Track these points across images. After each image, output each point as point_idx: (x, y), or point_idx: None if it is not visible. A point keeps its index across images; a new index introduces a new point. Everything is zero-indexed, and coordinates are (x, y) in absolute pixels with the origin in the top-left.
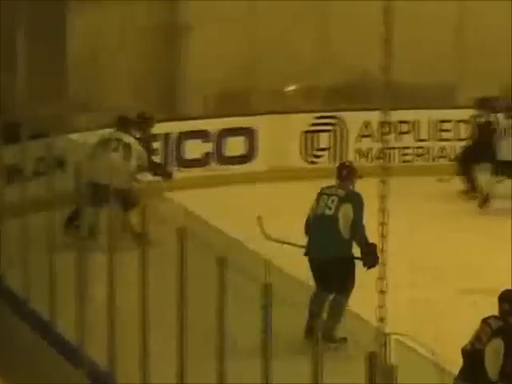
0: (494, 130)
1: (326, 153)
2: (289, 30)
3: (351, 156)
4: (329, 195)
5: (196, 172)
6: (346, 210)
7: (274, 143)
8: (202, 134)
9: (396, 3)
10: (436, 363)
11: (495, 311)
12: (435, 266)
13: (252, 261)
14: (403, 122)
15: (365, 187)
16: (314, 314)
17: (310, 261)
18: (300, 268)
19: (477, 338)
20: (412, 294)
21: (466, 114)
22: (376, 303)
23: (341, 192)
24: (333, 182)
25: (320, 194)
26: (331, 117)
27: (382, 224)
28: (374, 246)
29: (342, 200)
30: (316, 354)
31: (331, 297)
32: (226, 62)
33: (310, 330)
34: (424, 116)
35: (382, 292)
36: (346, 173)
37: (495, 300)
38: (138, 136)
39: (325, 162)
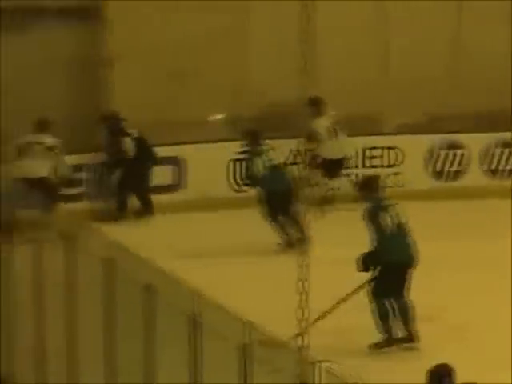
0: None
1: None
2: (209, 59)
3: None
4: (391, 205)
5: None
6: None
7: (201, 172)
8: None
9: (318, 35)
10: None
11: None
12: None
13: (180, 292)
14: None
15: None
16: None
17: (397, 269)
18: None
19: None
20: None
21: (393, 140)
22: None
23: (390, 200)
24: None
25: (383, 207)
26: None
27: (303, 253)
28: None
29: (395, 206)
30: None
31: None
32: (150, 92)
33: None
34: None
35: (302, 320)
36: (379, 182)
37: None
38: None
39: (252, 190)
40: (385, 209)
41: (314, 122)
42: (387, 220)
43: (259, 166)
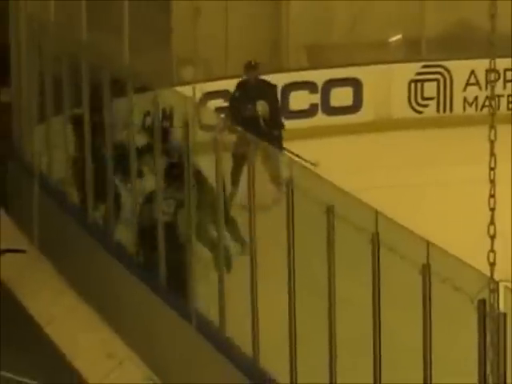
0: None
1: (432, 102)
2: None
3: (458, 105)
4: None
5: (302, 123)
6: None
7: (380, 93)
8: (308, 85)
9: None
10: None
11: None
12: None
13: (360, 211)
14: (509, 70)
15: (473, 134)
16: None
17: None
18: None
19: None
20: None
21: None
22: (484, 249)
23: None
24: (440, 131)
25: None
26: (437, 66)
27: (492, 169)
28: None
29: None
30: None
31: None
32: (328, 13)
33: None
34: None
35: (492, 237)
36: None
37: None
38: None
39: (432, 111)
40: None
41: None
42: None
43: None
